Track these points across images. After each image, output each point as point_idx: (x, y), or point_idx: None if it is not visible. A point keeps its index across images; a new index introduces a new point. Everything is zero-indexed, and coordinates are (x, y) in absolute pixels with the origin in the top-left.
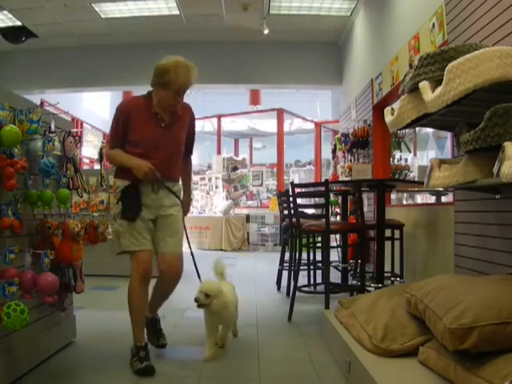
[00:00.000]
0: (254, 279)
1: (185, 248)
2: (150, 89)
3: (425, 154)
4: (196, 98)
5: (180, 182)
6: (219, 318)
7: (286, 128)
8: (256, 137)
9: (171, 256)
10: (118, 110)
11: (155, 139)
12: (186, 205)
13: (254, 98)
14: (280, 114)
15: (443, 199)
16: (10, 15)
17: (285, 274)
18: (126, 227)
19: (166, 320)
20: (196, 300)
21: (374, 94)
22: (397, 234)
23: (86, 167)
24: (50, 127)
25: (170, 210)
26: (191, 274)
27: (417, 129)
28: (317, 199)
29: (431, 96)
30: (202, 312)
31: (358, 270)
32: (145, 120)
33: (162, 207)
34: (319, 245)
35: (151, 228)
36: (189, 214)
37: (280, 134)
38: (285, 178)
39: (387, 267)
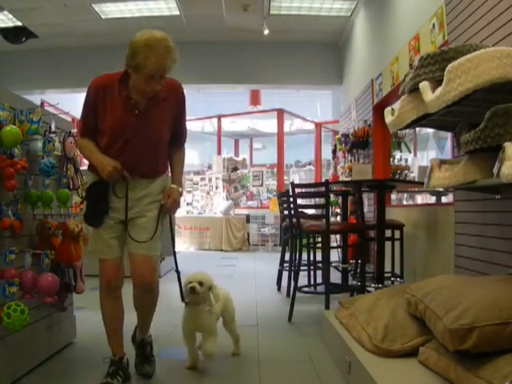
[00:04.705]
0: (254, 279)
1: (185, 248)
2: None
3: (425, 154)
4: (196, 98)
5: (165, 175)
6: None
7: (286, 128)
8: (256, 137)
9: (139, 257)
10: (89, 88)
11: (125, 129)
12: (171, 202)
13: (254, 98)
14: (280, 114)
15: (443, 199)
16: (11, 15)
17: (285, 274)
18: (91, 232)
19: (166, 319)
20: (192, 289)
21: (374, 94)
22: (397, 234)
23: (85, 167)
24: (50, 127)
25: (144, 211)
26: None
27: (417, 129)
28: (317, 199)
29: (431, 96)
30: None
31: (358, 271)
32: (115, 105)
33: (131, 209)
34: (319, 245)
35: (120, 232)
36: (189, 215)
37: (280, 134)
38: (285, 178)
39: (387, 267)
